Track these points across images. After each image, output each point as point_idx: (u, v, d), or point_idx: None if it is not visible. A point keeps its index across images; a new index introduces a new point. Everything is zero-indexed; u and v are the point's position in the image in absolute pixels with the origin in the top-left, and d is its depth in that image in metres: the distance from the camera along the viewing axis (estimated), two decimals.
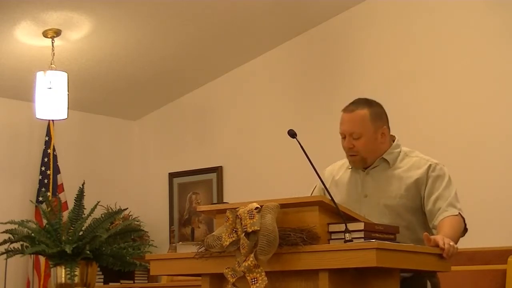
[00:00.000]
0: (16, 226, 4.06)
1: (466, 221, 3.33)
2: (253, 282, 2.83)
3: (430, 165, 3.38)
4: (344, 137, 3.42)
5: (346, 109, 3.44)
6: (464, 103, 5.76)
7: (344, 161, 3.58)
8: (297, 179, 5.90)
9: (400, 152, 3.47)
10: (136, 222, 5.54)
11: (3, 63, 6.28)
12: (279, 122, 6.58)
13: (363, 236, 2.82)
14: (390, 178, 3.40)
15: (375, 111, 3.43)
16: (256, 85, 6.96)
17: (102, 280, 6.42)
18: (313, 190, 3.61)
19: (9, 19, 5.70)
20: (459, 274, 4.24)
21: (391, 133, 3.51)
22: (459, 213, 3.29)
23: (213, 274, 3.05)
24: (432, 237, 3.02)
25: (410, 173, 3.38)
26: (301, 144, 3.10)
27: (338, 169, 3.60)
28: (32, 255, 6.21)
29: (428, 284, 3.25)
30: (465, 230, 3.33)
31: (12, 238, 4.04)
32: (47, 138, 6.86)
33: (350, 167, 3.52)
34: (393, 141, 3.50)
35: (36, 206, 6.38)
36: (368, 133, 3.39)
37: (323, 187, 3.20)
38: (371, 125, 3.39)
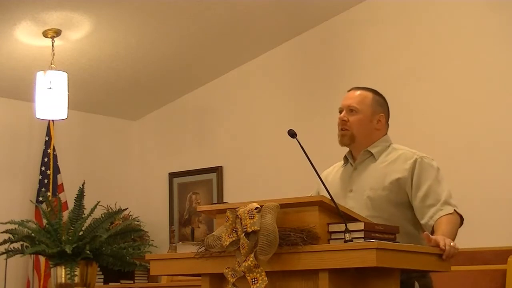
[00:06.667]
0: (16, 226, 4.06)
1: (467, 222, 3.30)
2: (253, 282, 2.83)
3: (416, 159, 3.36)
4: (341, 112, 3.47)
5: (351, 89, 3.54)
6: (464, 102, 5.76)
7: (337, 164, 3.61)
8: (297, 179, 5.91)
9: (388, 146, 3.47)
10: (136, 222, 5.54)
11: (3, 63, 6.28)
12: (279, 122, 6.58)
13: (363, 236, 2.82)
14: (374, 170, 3.40)
15: (378, 98, 3.51)
16: (256, 85, 6.96)
17: (102, 280, 6.42)
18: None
19: (9, 19, 5.70)
20: (459, 274, 4.24)
21: (387, 134, 3.52)
22: (455, 210, 3.26)
23: (213, 274, 3.05)
24: (432, 237, 3.01)
25: (395, 165, 3.37)
26: (301, 144, 3.10)
27: (331, 171, 3.63)
28: (32, 255, 6.20)
29: (416, 284, 3.23)
30: (461, 223, 3.30)
31: (12, 238, 4.04)
32: (47, 138, 6.86)
33: (343, 165, 3.54)
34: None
35: (36, 206, 6.38)
36: (366, 113, 3.44)
37: (322, 187, 3.20)
38: (371, 107, 3.45)
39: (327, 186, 3.43)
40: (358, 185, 3.41)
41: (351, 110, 3.44)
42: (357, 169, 3.45)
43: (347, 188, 3.44)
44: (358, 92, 3.49)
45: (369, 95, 3.48)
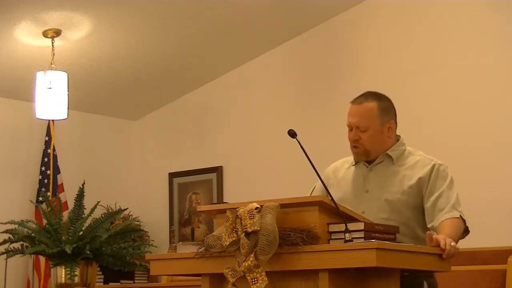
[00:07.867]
0: (16, 226, 4.06)
1: (467, 223, 3.33)
2: (253, 282, 2.83)
3: (434, 165, 3.38)
4: (350, 129, 3.42)
5: (355, 101, 3.44)
6: (464, 102, 5.76)
7: (347, 159, 3.59)
8: (297, 179, 5.90)
9: (404, 150, 3.47)
10: (136, 222, 5.54)
11: (3, 63, 6.28)
12: (279, 122, 6.58)
13: (363, 236, 2.82)
14: (393, 174, 3.40)
15: (383, 105, 3.43)
16: (256, 85, 6.96)
17: (102, 280, 6.42)
18: (312, 191, 3.61)
19: (9, 19, 5.70)
20: (459, 274, 4.24)
21: (401, 136, 3.52)
22: (460, 215, 3.29)
23: (213, 274, 3.05)
24: (434, 236, 3.01)
25: (414, 170, 3.38)
26: (301, 144, 3.10)
27: (340, 166, 3.59)
28: (32, 255, 6.20)
29: (425, 284, 3.25)
30: (466, 232, 3.33)
31: (12, 238, 4.04)
32: (47, 138, 6.86)
33: (354, 164, 3.52)
34: (398, 140, 3.50)
35: (36, 206, 6.37)
36: (375, 127, 3.39)
37: (323, 187, 3.20)
38: (379, 119, 3.39)
39: (337, 182, 3.47)
40: (374, 186, 3.40)
41: (359, 128, 3.39)
42: (372, 170, 3.44)
43: (362, 189, 3.42)
44: (362, 106, 3.39)
45: (374, 105, 3.39)
